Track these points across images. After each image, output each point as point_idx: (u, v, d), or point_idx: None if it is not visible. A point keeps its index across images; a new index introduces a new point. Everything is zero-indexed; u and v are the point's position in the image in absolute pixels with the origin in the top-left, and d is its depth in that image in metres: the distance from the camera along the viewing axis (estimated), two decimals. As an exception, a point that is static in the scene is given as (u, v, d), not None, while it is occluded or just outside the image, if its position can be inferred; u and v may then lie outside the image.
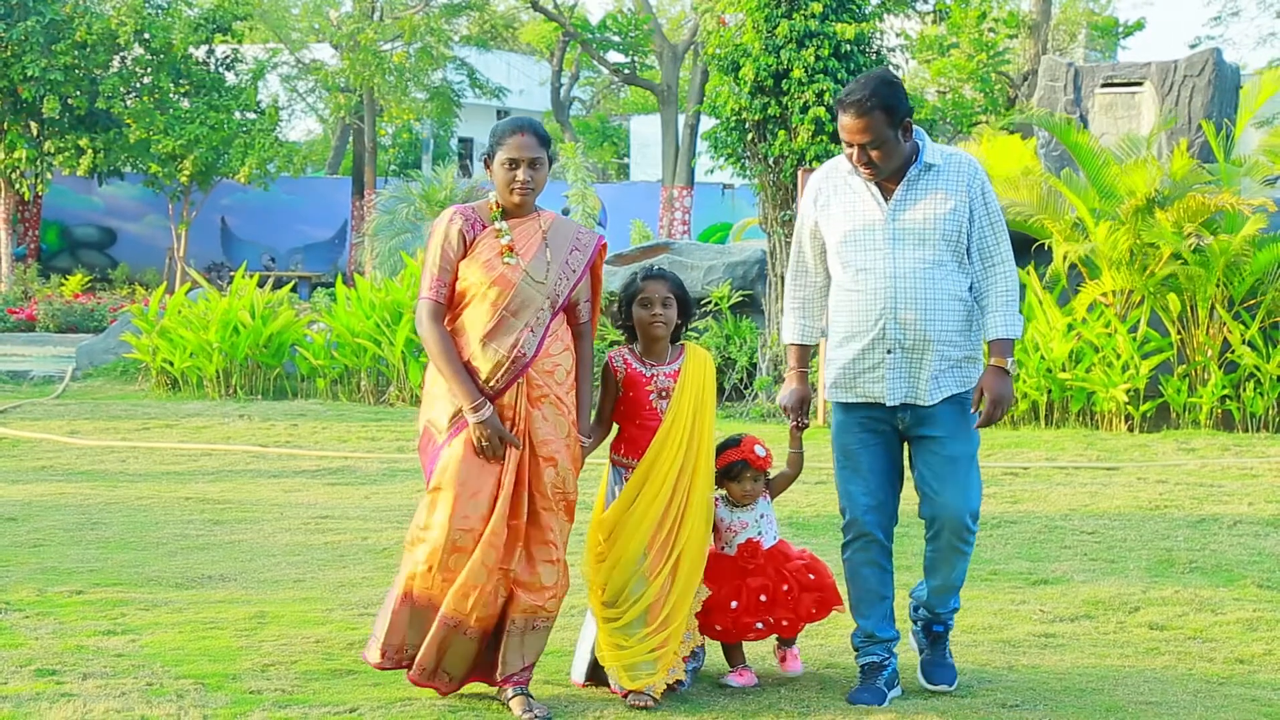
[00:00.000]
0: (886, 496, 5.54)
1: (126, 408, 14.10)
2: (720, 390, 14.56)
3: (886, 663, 5.51)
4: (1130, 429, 12.86)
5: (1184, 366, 13.11)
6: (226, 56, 29.25)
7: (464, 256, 5.28)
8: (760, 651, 5.88)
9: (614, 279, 15.60)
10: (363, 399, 14.88)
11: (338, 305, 15.41)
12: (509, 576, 5.22)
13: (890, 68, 15.05)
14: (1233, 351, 12.93)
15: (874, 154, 5.29)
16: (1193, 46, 40.91)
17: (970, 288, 5.44)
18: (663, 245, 17.17)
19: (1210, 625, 6.51)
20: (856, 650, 5.58)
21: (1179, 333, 13.15)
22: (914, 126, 5.41)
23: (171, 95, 27.95)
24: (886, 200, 5.39)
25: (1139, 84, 15.71)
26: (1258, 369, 12.81)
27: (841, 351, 5.47)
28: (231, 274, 19.23)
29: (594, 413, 5.61)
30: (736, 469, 5.60)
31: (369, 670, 5.54)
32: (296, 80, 40.61)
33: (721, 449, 5.62)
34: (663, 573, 5.33)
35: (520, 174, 5.26)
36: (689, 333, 14.51)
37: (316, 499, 9.53)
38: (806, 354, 5.68)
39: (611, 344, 14.14)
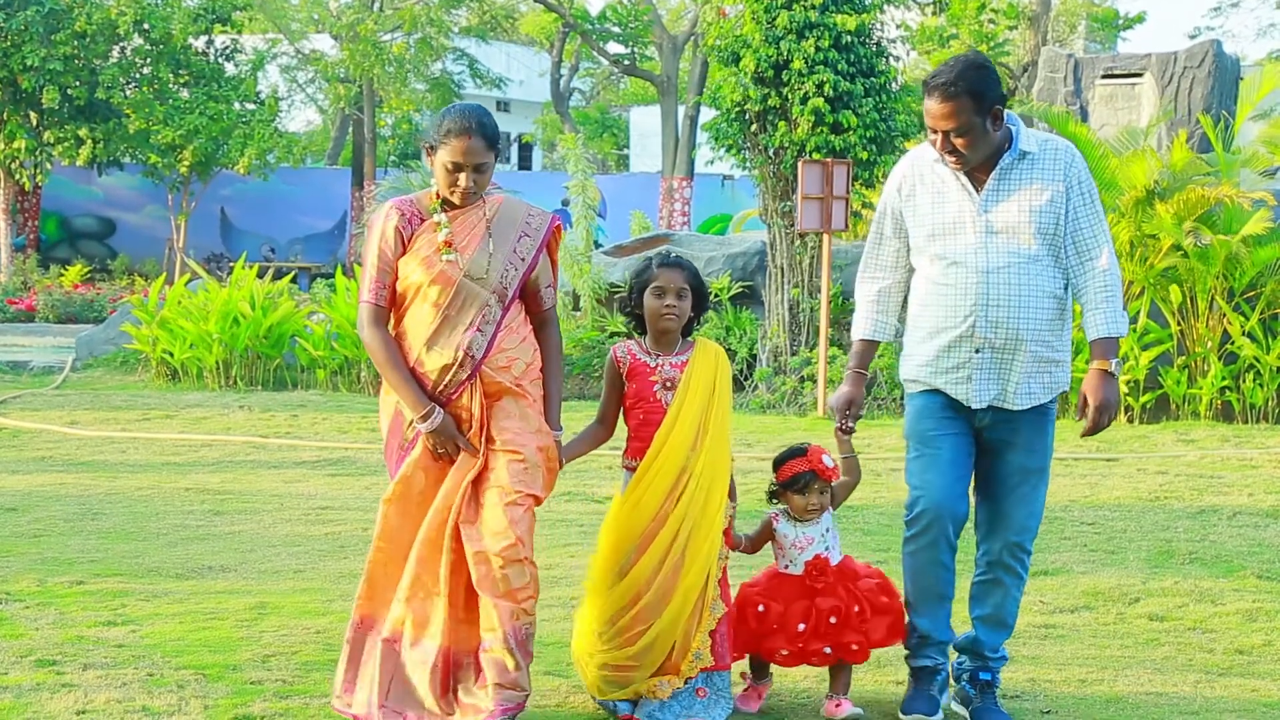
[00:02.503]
0: (961, 488, 5.15)
1: (126, 398, 14.10)
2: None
3: (940, 667, 5.24)
4: (1130, 420, 12.86)
5: (1184, 358, 13.12)
6: (226, 47, 29.24)
7: (403, 254, 4.93)
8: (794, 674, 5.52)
9: (614, 269, 15.63)
10: (363, 390, 14.86)
11: (338, 296, 15.42)
12: (449, 585, 4.89)
13: (890, 59, 15.03)
14: (1232, 343, 12.94)
15: (959, 142, 4.95)
16: (1192, 37, 40.92)
17: (1065, 285, 5.10)
18: (663, 236, 17.19)
19: (1210, 616, 6.52)
20: (909, 652, 5.28)
21: (1179, 324, 13.15)
22: (1007, 112, 5.05)
23: (171, 86, 27.92)
24: (978, 190, 5.06)
25: (1139, 75, 15.71)
26: (1257, 360, 12.82)
27: (923, 348, 5.15)
28: (231, 265, 19.25)
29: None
30: (803, 480, 5.19)
31: (370, 661, 5.55)
32: (296, 71, 40.61)
33: (784, 459, 5.26)
34: (642, 572, 4.95)
35: (463, 180, 4.89)
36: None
37: (317, 490, 9.53)
38: (871, 352, 5.36)
39: (612, 335, 14.16)
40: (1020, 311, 4.99)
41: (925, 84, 5.00)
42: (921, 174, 5.17)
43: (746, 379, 14.56)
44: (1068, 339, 5.16)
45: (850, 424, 5.26)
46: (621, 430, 5.30)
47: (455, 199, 4.95)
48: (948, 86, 4.90)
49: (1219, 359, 12.95)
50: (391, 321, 5.02)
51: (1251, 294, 13.11)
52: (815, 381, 13.63)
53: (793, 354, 14.41)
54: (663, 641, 4.95)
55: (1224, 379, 12.88)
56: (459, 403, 4.91)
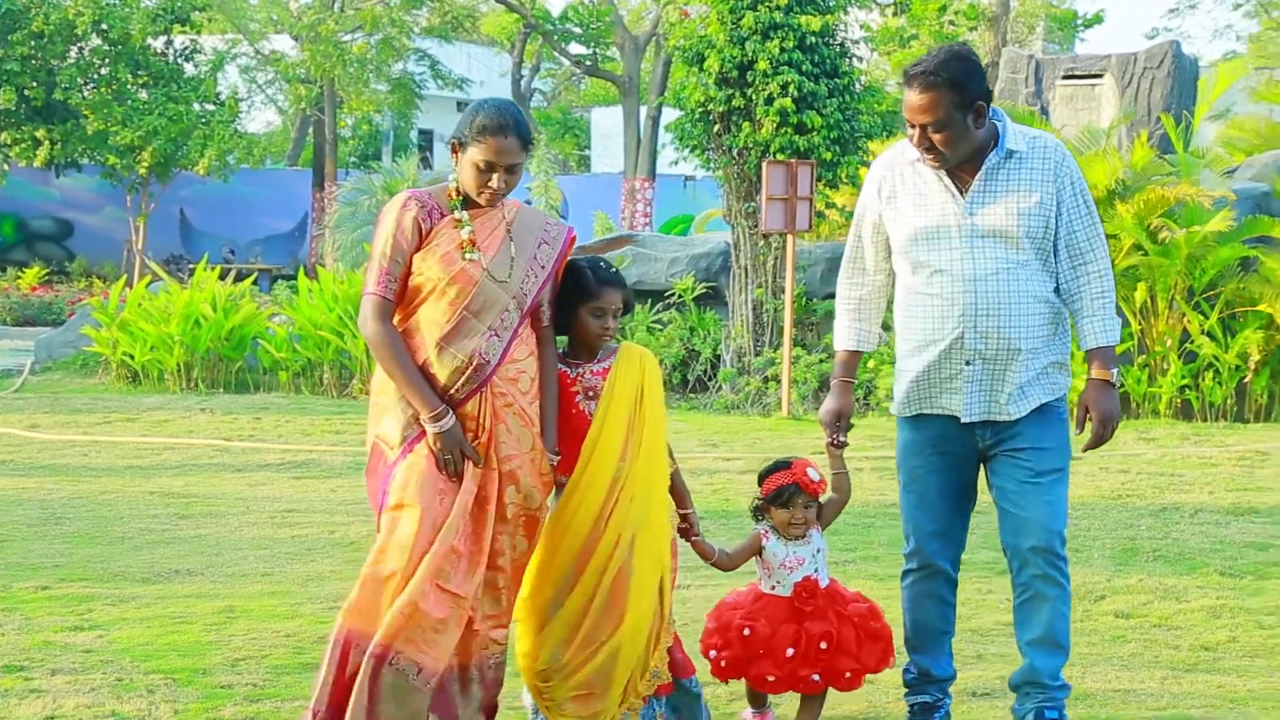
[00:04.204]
0: (954, 524, 4.97)
1: (87, 401, 14.04)
2: (684, 382, 14.59)
3: (940, 704, 5.03)
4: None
5: (1144, 356, 13.22)
6: (185, 47, 29.10)
7: (418, 248, 4.61)
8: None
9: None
10: (326, 392, 14.84)
11: (300, 298, 15.38)
12: (464, 609, 4.56)
13: (854, 60, 15.09)
14: (1192, 342, 13.05)
15: (937, 137, 4.65)
16: (1150, 38, 41.25)
17: (1056, 289, 4.83)
18: (626, 237, 17.22)
19: (1175, 613, 6.59)
20: (907, 688, 5.08)
21: (1139, 323, 13.25)
22: (991, 108, 4.75)
23: (130, 86, 27.77)
24: (963, 192, 4.76)
25: (1099, 76, 15.82)
26: (1216, 359, 12.94)
27: (913, 362, 4.86)
28: (191, 266, 19.20)
29: None
30: (787, 494, 4.95)
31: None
32: (256, 71, 40.44)
33: (768, 473, 5.03)
34: (582, 594, 4.69)
35: (495, 180, 4.58)
36: (654, 324, 14.68)
37: (282, 492, 9.51)
38: (856, 362, 5.09)
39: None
40: (1011, 320, 4.73)
41: (905, 74, 4.73)
42: (902, 174, 4.88)
43: (710, 379, 14.60)
44: (1065, 341, 4.91)
45: (842, 437, 5.01)
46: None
47: (483, 200, 4.65)
48: (927, 75, 4.61)
49: (1179, 358, 13.06)
50: (398, 318, 4.70)
51: (1211, 294, 13.23)
52: (779, 382, 13.67)
53: (757, 354, 14.45)
54: (624, 660, 4.68)
55: (1183, 378, 12.99)
56: (465, 409, 4.59)
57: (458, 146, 4.64)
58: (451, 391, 4.58)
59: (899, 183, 4.88)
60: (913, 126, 4.70)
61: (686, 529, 4.98)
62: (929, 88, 4.61)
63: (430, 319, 4.60)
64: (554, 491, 4.84)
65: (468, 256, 4.59)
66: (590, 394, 4.80)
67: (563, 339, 4.95)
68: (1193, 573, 7.34)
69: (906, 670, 5.07)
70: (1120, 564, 7.52)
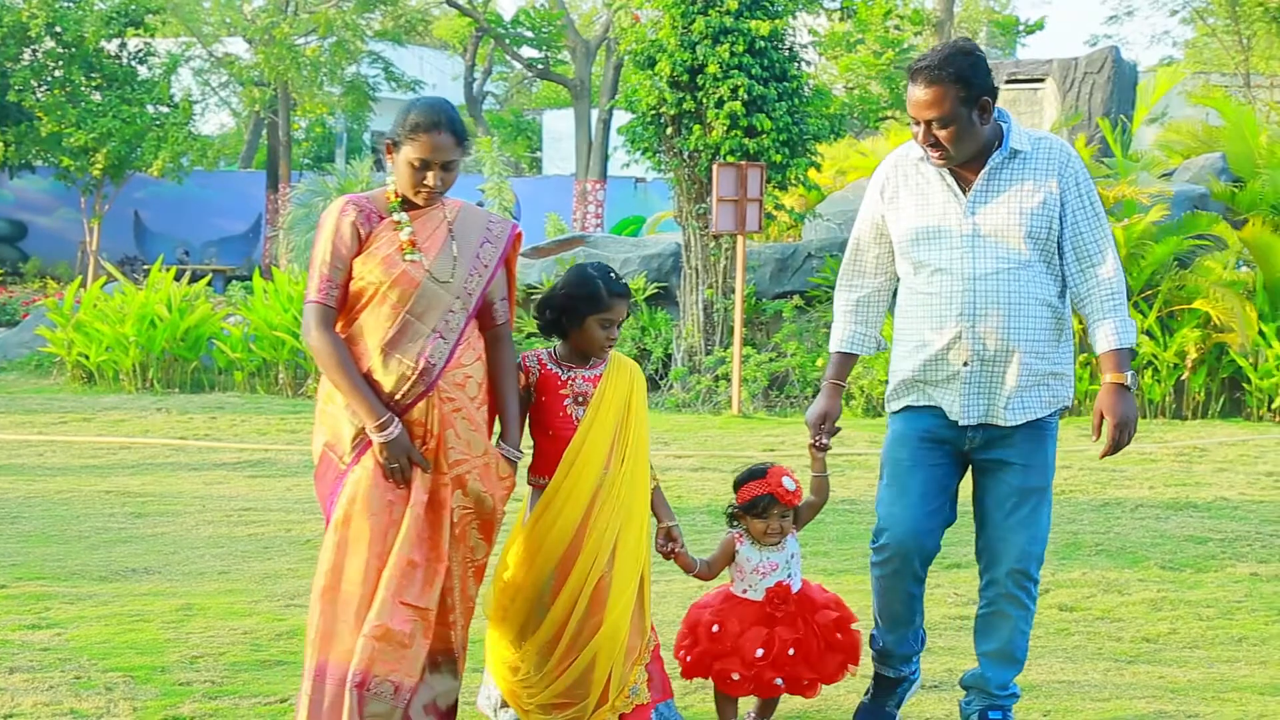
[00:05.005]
0: (933, 523, 4.85)
1: (42, 401, 14.01)
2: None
3: (904, 677, 5.05)
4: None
5: (1085, 354, 13.39)
6: (139, 50, 28.92)
7: (359, 253, 4.52)
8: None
9: (531, 271, 15.71)
10: (281, 392, 14.87)
11: (255, 298, 15.41)
12: (428, 619, 4.49)
13: (803, 64, 15.24)
14: (1132, 340, 13.27)
15: (942, 134, 4.55)
16: (1091, 45, 41.64)
17: (1061, 293, 4.74)
18: (579, 238, 17.31)
19: (1117, 606, 6.71)
20: (872, 651, 5.09)
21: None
22: (997, 109, 4.65)
23: (83, 88, 27.58)
24: (965, 191, 4.67)
25: (1041, 80, 16.04)
26: (1155, 357, 13.16)
27: (909, 363, 4.78)
28: (145, 267, 19.17)
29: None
30: (762, 504, 4.86)
31: (298, 660, 5.45)
32: (209, 74, 40.25)
33: (743, 480, 4.95)
34: (565, 603, 4.67)
35: (430, 178, 4.52)
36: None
37: (238, 491, 9.55)
38: (849, 365, 4.98)
39: (529, 336, 14.25)
40: (1011, 320, 4.63)
41: (909, 69, 4.61)
42: (905, 174, 4.79)
43: (662, 378, 14.71)
44: (1067, 350, 4.80)
45: (825, 440, 4.90)
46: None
47: (420, 199, 4.58)
48: (932, 70, 4.51)
49: (1120, 356, 13.26)
50: (339, 325, 4.60)
51: (1149, 293, 13.45)
52: (730, 380, 13.80)
53: (707, 353, 14.57)
54: (601, 665, 4.67)
55: (1124, 375, 13.19)
56: (412, 415, 4.51)
57: (392, 147, 4.57)
58: (397, 397, 4.49)
59: (901, 183, 4.80)
60: (917, 123, 4.60)
61: (672, 545, 4.94)
62: (934, 82, 4.51)
63: (373, 324, 4.52)
64: (534, 494, 4.82)
65: (408, 258, 4.52)
66: (580, 400, 4.79)
67: (540, 340, 4.93)
68: (1134, 566, 7.47)
69: (872, 639, 5.07)
70: (1063, 558, 7.64)
